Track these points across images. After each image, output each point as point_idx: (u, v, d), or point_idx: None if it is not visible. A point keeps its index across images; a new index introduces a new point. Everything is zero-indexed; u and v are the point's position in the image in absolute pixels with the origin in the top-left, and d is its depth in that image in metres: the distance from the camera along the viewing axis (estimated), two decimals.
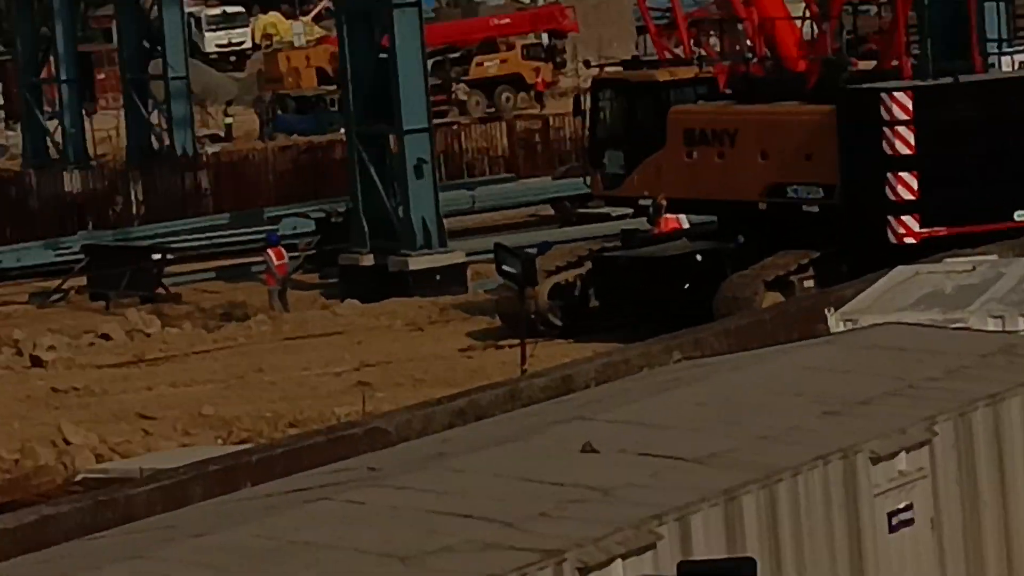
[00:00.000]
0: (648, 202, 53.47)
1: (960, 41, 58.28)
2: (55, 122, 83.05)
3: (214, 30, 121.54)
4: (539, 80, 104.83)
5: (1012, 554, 24.36)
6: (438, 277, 58.99)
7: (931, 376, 25.01)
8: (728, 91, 53.46)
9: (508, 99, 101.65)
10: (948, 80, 51.20)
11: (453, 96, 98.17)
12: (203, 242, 66.12)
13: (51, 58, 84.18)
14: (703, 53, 56.37)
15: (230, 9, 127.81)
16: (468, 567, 18.10)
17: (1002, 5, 64.94)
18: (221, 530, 19.48)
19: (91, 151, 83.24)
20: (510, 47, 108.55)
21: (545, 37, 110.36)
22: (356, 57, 61.64)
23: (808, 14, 56.26)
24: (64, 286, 62.04)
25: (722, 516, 20.63)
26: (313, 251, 62.68)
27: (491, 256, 54.46)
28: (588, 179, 59.62)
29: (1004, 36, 63.52)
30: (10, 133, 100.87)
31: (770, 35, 53.73)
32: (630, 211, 56.80)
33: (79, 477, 35.16)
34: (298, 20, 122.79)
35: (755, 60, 54.33)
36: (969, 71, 53.43)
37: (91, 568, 18.21)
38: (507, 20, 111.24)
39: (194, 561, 18.20)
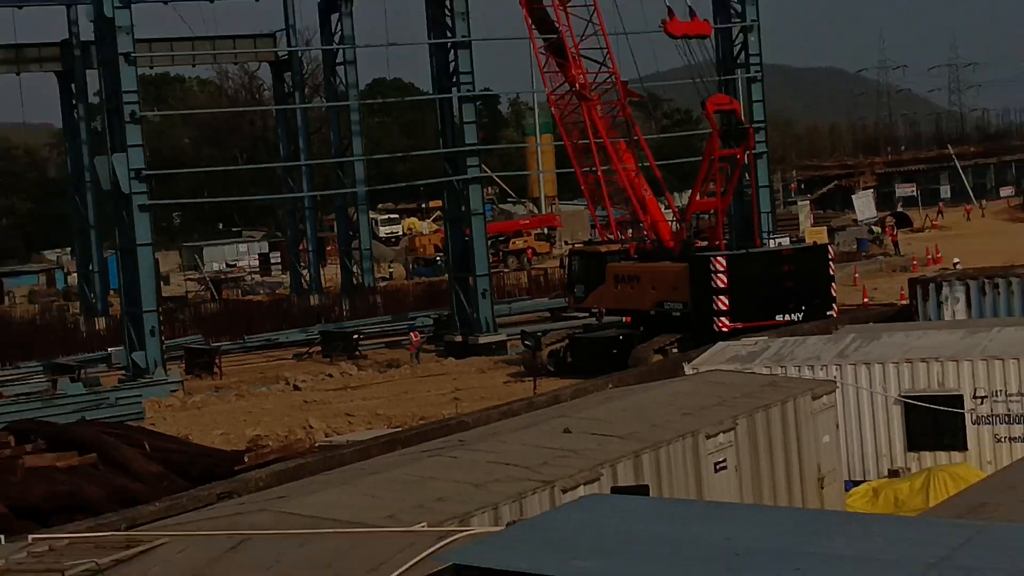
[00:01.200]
0: (596, 311, 55.06)
1: (749, 231, 59.87)
2: (306, 272, 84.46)
3: (384, 225, 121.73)
4: (546, 248, 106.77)
5: (776, 484, 26.72)
6: (493, 346, 60.20)
7: (734, 396, 27.72)
8: (635, 256, 55.27)
9: (528, 260, 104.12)
10: (742, 251, 53.67)
11: (500, 257, 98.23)
12: (378, 329, 67.32)
13: (304, 240, 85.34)
14: (624, 238, 57.68)
15: (392, 216, 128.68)
16: (510, 489, 21.21)
17: (767, 203, 65.84)
18: (387, 471, 22.57)
19: (323, 285, 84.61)
20: (528, 233, 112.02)
21: (545, 230, 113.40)
22: (454, 239, 63.38)
23: (673, 217, 57.64)
24: (309, 351, 64.10)
25: (632, 465, 23.58)
26: (431, 334, 64.15)
27: (519, 336, 58.20)
28: (566, 300, 62.67)
29: (770, 229, 64.22)
30: (283, 276, 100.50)
31: (656, 230, 55.63)
32: (588, 315, 56.74)
33: (317, 445, 35.50)
34: (425, 221, 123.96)
35: (648, 242, 55.87)
36: (753, 247, 55.35)
37: (324, 488, 21.81)
38: (527, 221, 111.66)
39: (375, 485, 21.37)
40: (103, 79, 57.44)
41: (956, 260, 63.37)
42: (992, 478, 22.34)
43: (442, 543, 16.62)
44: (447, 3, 60.77)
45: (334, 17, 78.81)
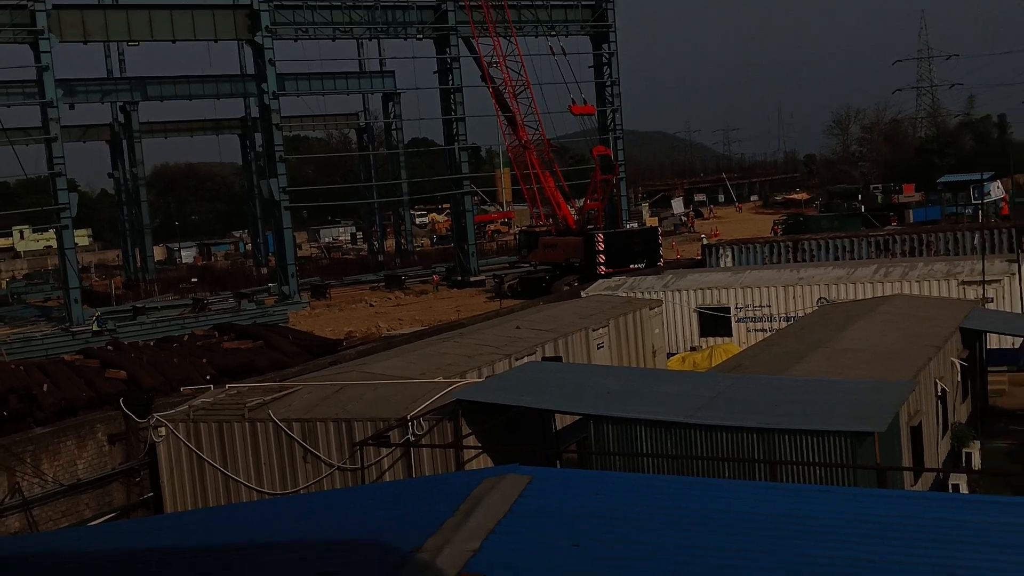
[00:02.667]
0: (533, 264, 54.16)
1: (615, 220, 59.43)
2: (376, 243, 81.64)
3: (418, 216, 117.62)
4: (507, 230, 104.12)
5: (630, 355, 26.37)
6: (478, 283, 58.21)
7: (608, 308, 27.25)
8: (555, 234, 53.99)
9: (495, 235, 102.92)
10: (612, 231, 52.21)
11: (483, 233, 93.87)
12: (415, 273, 64.59)
13: (375, 225, 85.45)
14: (548, 224, 55.79)
15: (422, 212, 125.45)
16: (487, 358, 20.94)
17: (625, 204, 63.62)
18: (420, 349, 22.25)
19: (385, 249, 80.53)
20: (497, 222, 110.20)
21: (507, 220, 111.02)
22: (456, 224, 62.10)
23: (575, 212, 55.12)
24: (378, 285, 61.34)
25: (553, 346, 23.13)
26: (445, 276, 61.38)
27: (492, 277, 57.89)
28: (517, 257, 59.98)
29: (627, 219, 62.63)
30: (363, 245, 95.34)
31: (566, 219, 54.84)
32: (529, 266, 55.09)
33: (382, 336, 34.52)
34: (441, 214, 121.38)
35: (562, 226, 54.40)
36: (617, 228, 55.22)
37: (386, 359, 21.33)
38: (496, 215, 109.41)
39: (414, 357, 21.12)
40: (264, 138, 56.82)
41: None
42: (745, 351, 22.38)
43: (450, 387, 16.83)
44: (452, 97, 60.73)
45: (390, 104, 78.31)
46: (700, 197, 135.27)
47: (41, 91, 47.15)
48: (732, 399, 14.95)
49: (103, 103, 72.32)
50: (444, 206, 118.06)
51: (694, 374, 21.00)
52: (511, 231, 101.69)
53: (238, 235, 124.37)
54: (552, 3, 62.89)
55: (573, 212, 56.91)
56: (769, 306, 30.24)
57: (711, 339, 30.81)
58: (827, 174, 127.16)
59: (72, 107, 67.30)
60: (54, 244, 47.82)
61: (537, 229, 57.51)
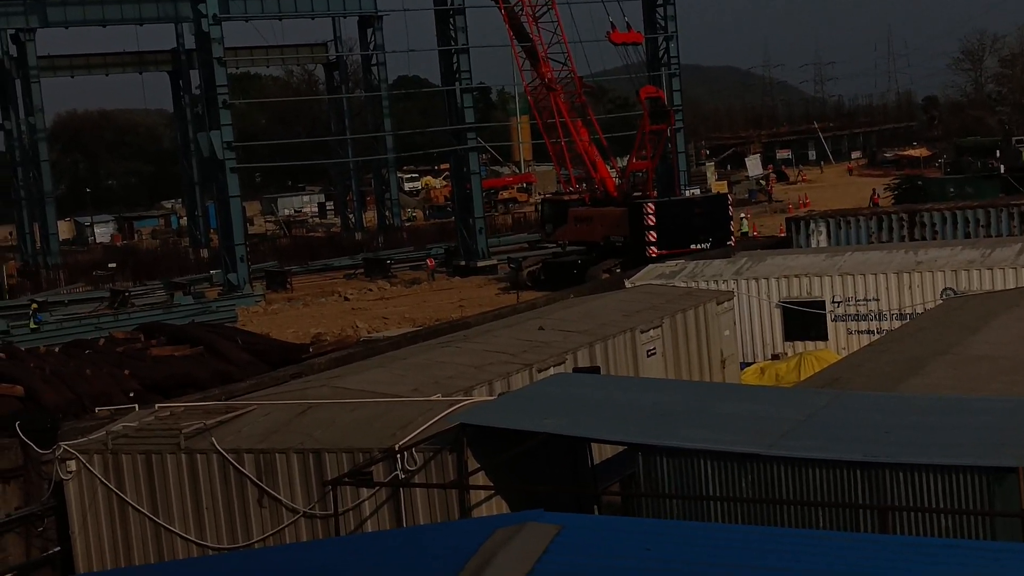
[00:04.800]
0: (561, 243, 55.32)
1: (671, 185, 60.63)
2: (352, 215, 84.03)
3: (408, 181, 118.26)
4: (525, 198, 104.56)
5: (691, 365, 26.62)
6: (487, 268, 59.45)
7: (661, 302, 27.41)
8: (589, 203, 54.35)
9: (510, 206, 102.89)
10: (666, 199, 53.59)
11: (492, 204, 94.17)
12: (404, 256, 65.33)
13: (350, 192, 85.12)
14: (581, 190, 56.57)
15: (413, 175, 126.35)
16: (500, 369, 21.09)
17: (684, 164, 65.60)
18: (412, 357, 22.39)
19: (364, 224, 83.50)
20: (512, 188, 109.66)
21: (525, 184, 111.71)
22: (458, 191, 62.86)
23: (616, 174, 56.63)
24: (355, 272, 62.48)
25: (588, 352, 23.18)
26: (443, 260, 62.59)
27: (506, 260, 58.80)
28: (540, 235, 61.09)
29: (686, 183, 63.28)
30: (335, 219, 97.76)
31: (604, 184, 55.03)
32: (555, 246, 56.68)
33: (361, 339, 34.26)
34: (438, 178, 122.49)
35: (599, 192, 54.82)
36: (674, 196, 55.83)
37: (367, 370, 21.70)
38: (511, 178, 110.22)
39: (403, 367, 21.20)
40: (202, 76, 57.10)
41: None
42: (845, 360, 22.31)
43: (451, 408, 16.74)
44: (451, 20, 60.48)
45: (369, 31, 78.31)
46: (784, 154, 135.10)
47: None
48: (828, 424, 14.93)
49: None
50: (442, 167, 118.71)
51: (777, 390, 21.00)
52: (531, 200, 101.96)
53: (169, 206, 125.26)
54: None
55: (614, 174, 57.08)
56: (877, 300, 30.33)
57: (799, 343, 30.93)
58: (954, 123, 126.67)
59: None
60: None
61: (566, 197, 57.65)
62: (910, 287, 30.04)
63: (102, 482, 17.75)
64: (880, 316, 30.13)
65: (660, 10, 65.47)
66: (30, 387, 23.10)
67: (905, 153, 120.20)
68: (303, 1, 72.20)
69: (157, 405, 19.52)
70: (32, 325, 43.39)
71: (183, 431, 17.75)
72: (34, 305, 47.68)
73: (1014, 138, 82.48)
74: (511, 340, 23.82)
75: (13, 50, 75.79)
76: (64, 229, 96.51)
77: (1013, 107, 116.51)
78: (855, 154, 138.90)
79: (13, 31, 73.74)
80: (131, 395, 22.83)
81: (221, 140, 54.08)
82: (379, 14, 76.41)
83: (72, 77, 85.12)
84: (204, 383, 24.19)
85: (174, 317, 42.92)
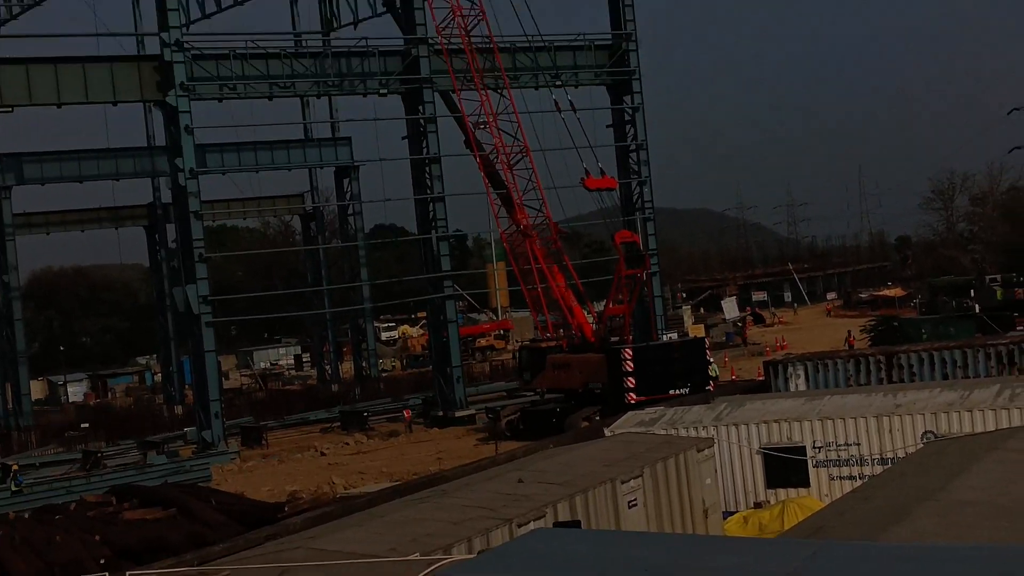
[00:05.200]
0: (539, 390, 55.07)
1: (648, 329, 60.47)
2: (328, 367, 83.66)
3: (384, 331, 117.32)
4: (503, 345, 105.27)
5: (672, 515, 26.34)
6: (466, 419, 58.92)
7: (641, 451, 27.31)
8: (567, 349, 54.89)
9: (487, 353, 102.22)
10: (643, 344, 53.50)
11: (469, 352, 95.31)
12: (382, 408, 64.94)
13: (327, 343, 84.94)
14: (558, 336, 56.93)
15: (390, 324, 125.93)
16: (480, 525, 20.50)
17: (660, 308, 65.35)
18: (390, 514, 21.79)
19: (340, 376, 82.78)
20: (489, 335, 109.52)
21: (502, 331, 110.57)
22: (435, 340, 62.00)
23: (592, 319, 56.71)
24: (332, 425, 62.37)
25: (568, 505, 22.93)
26: (421, 410, 62.04)
27: (484, 410, 58.32)
28: (518, 382, 61.14)
29: (663, 327, 63.83)
30: (311, 371, 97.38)
31: (581, 330, 54.86)
32: (533, 394, 56.25)
33: (338, 496, 35.37)
34: (415, 327, 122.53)
35: (576, 338, 55.25)
36: (651, 340, 56.28)
37: (344, 529, 21.27)
38: (488, 326, 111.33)
39: (381, 525, 20.80)
40: (178, 230, 57.21)
41: None
42: (828, 507, 21.94)
43: (431, 568, 16.18)
44: (427, 169, 61.14)
45: (345, 181, 79.17)
46: (760, 296, 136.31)
47: None
48: None
49: None
50: (419, 315, 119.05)
51: (760, 542, 20.64)
52: (509, 347, 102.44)
53: (144, 362, 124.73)
54: (557, 44, 64.16)
55: (591, 320, 57.38)
56: (858, 444, 30.12)
57: (782, 491, 30.62)
58: (927, 262, 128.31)
59: None
60: None
61: (543, 344, 58.01)
62: (890, 431, 29.91)
63: None
64: (862, 461, 29.93)
65: (633, 155, 66.38)
66: None
67: (880, 293, 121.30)
68: (280, 153, 73.16)
69: (128, 573, 19.25)
70: (13, 488, 42.73)
71: None
72: (15, 467, 46.99)
73: (988, 277, 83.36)
74: (490, 494, 23.64)
75: None
76: (37, 388, 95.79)
77: (985, 246, 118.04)
78: (830, 295, 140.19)
79: None
80: (102, 562, 22.44)
81: (197, 294, 54.07)
82: (355, 164, 77.36)
83: (48, 234, 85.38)
84: (177, 547, 23.83)
85: (148, 478, 42.43)
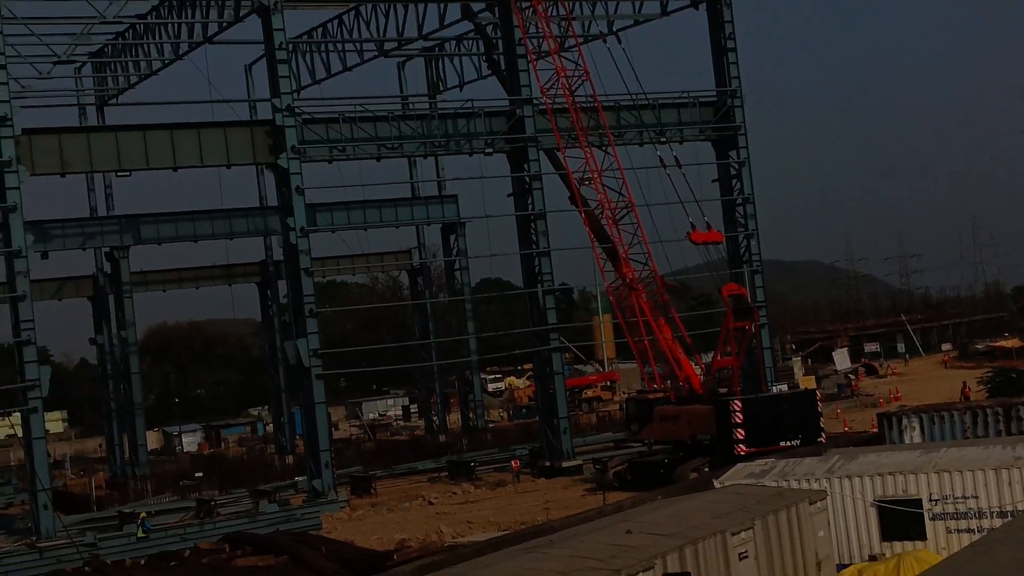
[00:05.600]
0: (647, 441, 55.20)
1: (757, 381, 59.12)
2: (436, 417, 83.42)
3: (491, 382, 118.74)
4: (609, 396, 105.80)
5: (785, 567, 26.23)
6: (573, 469, 58.97)
7: (752, 503, 27.31)
8: (675, 401, 54.49)
9: (594, 404, 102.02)
10: (753, 396, 52.88)
11: (576, 403, 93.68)
12: (489, 457, 65.82)
13: (434, 395, 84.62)
14: (665, 388, 56.60)
15: (496, 376, 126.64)
16: (592, 575, 22.05)
17: (769, 360, 64.71)
18: (498, 563, 22.14)
19: (448, 426, 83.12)
20: (596, 386, 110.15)
21: (609, 382, 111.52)
22: (542, 391, 61.90)
23: (701, 371, 56.08)
24: (439, 475, 62.73)
25: (677, 557, 22.82)
26: (528, 461, 62.04)
27: (592, 461, 58.32)
28: (626, 434, 60.98)
29: (772, 378, 62.93)
30: (419, 421, 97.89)
31: (689, 382, 54.79)
32: (641, 445, 56.64)
33: (446, 544, 35.25)
34: (521, 378, 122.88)
35: (684, 390, 54.72)
36: (760, 392, 55.34)
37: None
38: (595, 377, 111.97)
39: (493, 574, 21.71)
40: (289, 286, 57.76)
41: None
42: (946, 561, 21.57)
43: None
44: (532, 225, 61.49)
45: (452, 237, 79.90)
46: (872, 347, 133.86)
47: (6, 237, 48.21)
48: None
49: (84, 249, 75.33)
50: (525, 367, 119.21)
51: None
52: (615, 398, 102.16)
53: (256, 413, 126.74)
54: (661, 101, 64.53)
55: (699, 371, 56.99)
56: (976, 497, 29.64)
57: (897, 543, 30.16)
58: None
59: (45, 256, 70.27)
60: (19, 432, 49.02)
61: (651, 395, 57.83)
62: (1009, 483, 29.34)
63: None
64: (980, 514, 29.41)
65: (739, 208, 66.04)
66: None
67: (997, 344, 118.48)
68: (388, 211, 74.28)
69: None
70: (140, 534, 43.57)
71: None
72: (143, 514, 47.95)
73: None
74: (598, 544, 23.54)
75: (107, 267, 78.13)
76: (152, 439, 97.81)
77: None
78: (945, 346, 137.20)
79: (108, 248, 75.97)
80: None
81: (307, 348, 54.68)
82: (462, 221, 78.14)
83: (164, 291, 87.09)
84: None
85: (259, 526, 42.96)
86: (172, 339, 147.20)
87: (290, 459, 76.46)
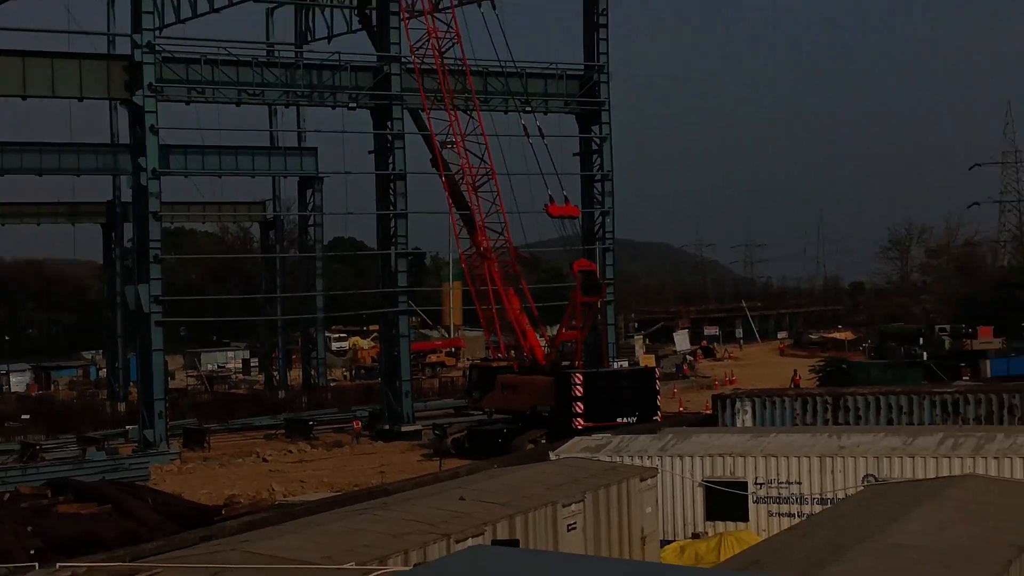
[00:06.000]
0: (488, 410, 54.96)
1: (599, 356, 61.06)
2: (276, 373, 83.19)
3: (335, 341, 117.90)
4: (453, 362, 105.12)
5: (611, 541, 26.49)
6: (412, 434, 58.56)
7: (584, 476, 27.37)
8: (517, 371, 54.41)
9: (438, 370, 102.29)
10: (594, 370, 53.82)
11: (419, 367, 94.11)
12: (328, 417, 65.40)
13: (276, 350, 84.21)
14: (509, 357, 56.74)
15: (341, 335, 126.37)
16: (418, 539, 20.55)
17: (613, 337, 66.09)
18: (328, 523, 21.72)
19: (288, 383, 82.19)
20: (440, 351, 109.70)
21: (453, 349, 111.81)
22: (386, 353, 62.05)
23: (545, 343, 56.41)
24: (276, 432, 61.81)
25: (507, 524, 22.94)
26: (367, 423, 61.65)
27: (431, 426, 58.04)
28: (467, 401, 60.53)
29: (614, 355, 64.27)
30: (259, 376, 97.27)
31: (533, 353, 55.25)
32: (481, 413, 56.21)
33: (277, 503, 34.79)
34: (366, 339, 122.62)
35: (527, 361, 55.12)
36: (602, 367, 57.00)
37: (280, 535, 21.19)
38: (440, 343, 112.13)
39: (318, 533, 20.77)
40: (136, 230, 56.80)
41: None
42: (765, 542, 22.04)
43: None
44: (391, 185, 61.14)
45: (308, 191, 78.98)
46: (712, 331, 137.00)
47: None
48: None
49: None
50: (371, 328, 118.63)
51: (696, 571, 20.74)
52: (459, 365, 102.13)
53: (89, 357, 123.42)
54: (528, 70, 64.70)
55: (543, 343, 57.37)
56: (800, 483, 30.19)
57: (720, 524, 30.65)
58: (879, 309, 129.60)
59: None
60: None
61: (494, 364, 57.79)
62: (832, 471, 30.02)
63: None
64: (802, 499, 30.00)
65: (598, 185, 66.74)
66: None
67: (830, 335, 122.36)
68: (245, 159, 72.88)
69: (58, 564, 18.88)
70: None
71: None
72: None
73: (937, 327, 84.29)
74: (431, 509, 23.59)
75: None
76: None
77: (937, 296, 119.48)
78: (781, 334, 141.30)
79: None
80: (32, 552, 22.16)
81: (149, 293, 53.71)
82: (320, 175, 77.17)
83: (3, 225, 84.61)
84: (110, 543, 23.62)
85: (85, 473, 41.88)
86: (7, 275, 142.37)
87: (122, 407, 74.79)
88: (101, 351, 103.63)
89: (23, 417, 68.33)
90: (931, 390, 44.83)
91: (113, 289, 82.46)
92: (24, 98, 52.94)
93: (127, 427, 59.96)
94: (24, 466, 45.72)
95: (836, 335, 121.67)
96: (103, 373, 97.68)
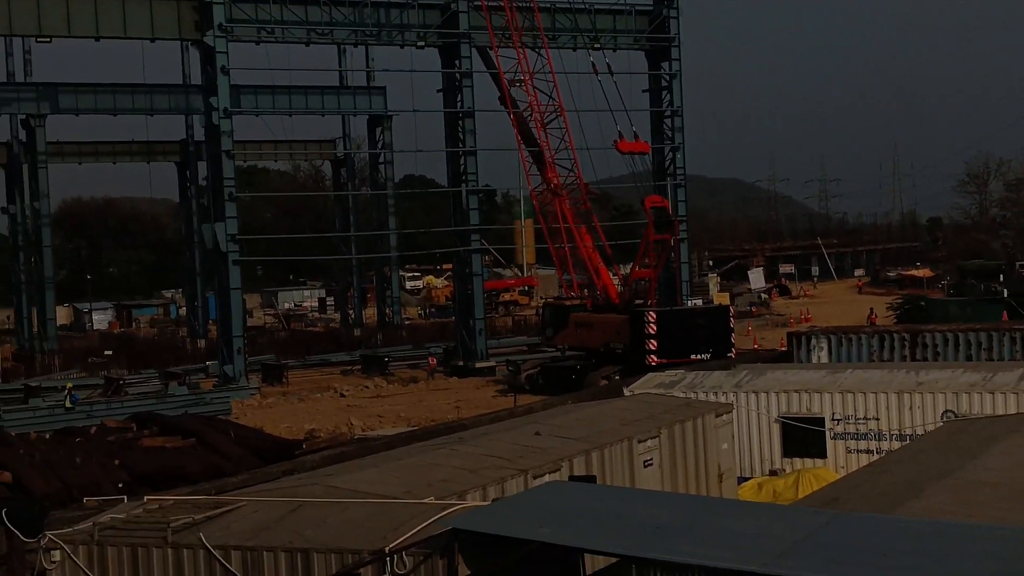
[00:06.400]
0: (561, 347, 55.41)
1: (673, 294, 60.55)
2: (352, 311, 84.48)
3: (409, 280, 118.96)
4: (527, 301, 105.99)
5: (688, 477, 26.29)
6: (486, 370, 59.31)
7: (659, 412, 27.16)
8: (591, 309, 54.74)
9: (511, 308, 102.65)
10: (668, 308, 53.69)
11: (493, 306, 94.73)
12: (403, 354, 65.71)
13: (351, 289, 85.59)
14: (582, 295, 57.64)
15: (415, 274, 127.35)
16: (495, 474, 20.69)
17: (686, 274, 65.59)
18: (406, 458, 21.87)
19: (363, 321, 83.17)
20: (513, 290, 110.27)
21: (527, 287, 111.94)
22: (460, 292, 62.46)
23: (618, 281, 56.74)
24: (352, 368, 62.88)
25: (584, 460, 22.78)
26: (442, 359, 62.43)
27: (505, 363, 59.04)
28: (540, 338, 61.13)
29: (688, 293, 64.05)
30: (335, 314, 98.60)
31: (606, 291, 55.21)
32: (555, 350, 56.71)
33: (355, 437, 35.05)
34: (440, 278, 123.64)
35: (600, 299, 55.16)
36: (675, 305, 56.34)
37: (359, 469, 21.30)
38: (513, 281, 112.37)
39: (397, 468, 20.81)
40: (209, 168, 57.43)
41: None
42: (843, 479, 22.08)
43: (444, 512, 16.53)
44: (460, 123, 61.12)
45: (378, 130, 79.17)
46: (787, 268, 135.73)
47: None
48: (824, 544, 14.72)
49: (0, 115, 74.20)
50: (445, 267, 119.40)
51: (774, 507, 20.71)
52: (532, 303, 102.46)
53: (169, 295, 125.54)
54: (597, 7, 64.14)
55: (616, 281, 57.33)
56: (877, 419, 30.01)
57: (798, 460, 30.55)
58: (958, 244, 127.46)
59: None
60: None
61: (567, 302, 57.98)
62: (910, 408, 29.81)
63: (86, 573, 17.48)
64: (879, 436, 29.84)
65: (667, 121, 66.21)
66: (18, 474, 22.97)
67: (908, 273, 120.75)
68: (314, 99, 73.33)
69: (146, 497, 19.27)
70: (68, 404, 43.45)
71: (170, 525, 17.49)
72: (69, 384, 47.62)
73: (1018, 263, 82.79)
74: (507, 444, 23.65)
75: (22, 135, 76.64)
76: (62, 315, 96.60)
77: (1017, 232, 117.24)
78: (858, 272, 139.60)
79: (24, 116, 74.56)
80: (120, 486, 22.71)
81: (225, 232, 54.34)
82: (389, 114, 77.33)
83: (80, 164, 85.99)
84: (195, 476, 24.11)
85: (168, 407, 42.78)
86: (86, 214, 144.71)
87: (202, 343, 76.13)
88: (180, 290, 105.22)
89: (106, 353, 69.74)
90: (1011, 327, 44.16)
91: (190, 227, 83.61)
92: (97, 39, 53.17)
93: (207, 363, 61.01)
94: (109, 400, 46.67)
95: (914, 272, 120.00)
96: (183, 311, 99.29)
